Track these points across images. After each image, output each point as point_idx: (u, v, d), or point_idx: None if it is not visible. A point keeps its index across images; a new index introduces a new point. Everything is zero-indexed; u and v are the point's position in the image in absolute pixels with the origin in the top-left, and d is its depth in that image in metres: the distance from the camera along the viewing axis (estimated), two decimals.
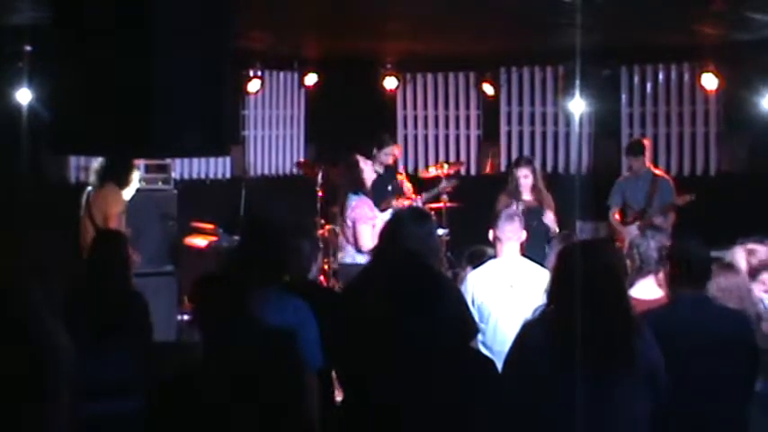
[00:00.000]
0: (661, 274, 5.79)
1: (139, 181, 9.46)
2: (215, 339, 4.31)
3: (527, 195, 9.61)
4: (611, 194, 10.79)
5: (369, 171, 9.26)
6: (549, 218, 9.37)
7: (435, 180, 11.49)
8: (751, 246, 6.33)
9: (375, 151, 10.56)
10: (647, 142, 11.10)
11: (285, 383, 4.39)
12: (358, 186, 9.12)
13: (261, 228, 5.67)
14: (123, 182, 8.78)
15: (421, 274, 4.52)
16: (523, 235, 6.74)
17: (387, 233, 5.45)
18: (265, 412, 4.07)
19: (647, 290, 5.84)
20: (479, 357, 4.77)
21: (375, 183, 10.51)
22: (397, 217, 5.74)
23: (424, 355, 4.25)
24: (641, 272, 5.95)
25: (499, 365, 4.62)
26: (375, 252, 5.67)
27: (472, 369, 4.37)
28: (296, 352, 4.76)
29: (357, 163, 9.28)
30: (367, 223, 8.87)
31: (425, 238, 5.36)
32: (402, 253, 5.17)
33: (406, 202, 10.46)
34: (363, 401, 4.45)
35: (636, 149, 10.83)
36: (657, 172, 10.85)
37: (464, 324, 5.46)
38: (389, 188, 10.57)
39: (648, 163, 10.86)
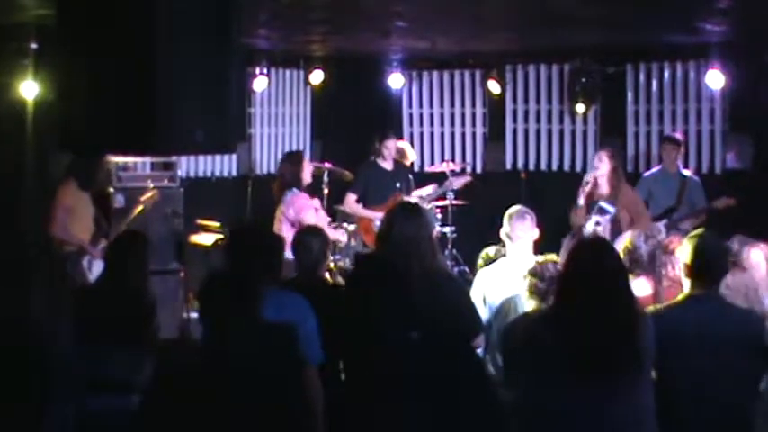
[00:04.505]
0: (653, 276, 5.79)
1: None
2: (215, 336, 4.32)
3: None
4: (638, 188, 10.51)
5: (308, 171, 9.24)
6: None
7: (441, 176, 11.49)
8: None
9: (377, 145, 10.57)
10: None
11: (285, 378, 4.40)
12: (294, 182, 9.09)
13: (242, 235, 5.67)
14: (85, 181, 8.78)
15: (402, 272, 4.54)
16: (536, 233, 6.72)
17: (380, 231, 5.46)
18: (265, 407, 4.09)
19: (638, 289, 5.81)
20: (472, 357, 4.79)
21: (382, 179, 10.51)
22: (388, 214, 5.74)
23: (408, 351, 4.26)
24: (632, 273, 5.92)
25: None
26: (375, 247, 5.68)
27: (461, 366, 4.38)
28: (295, 347, 4.78)
29: (301, 160, 9.28)
30: (308, 210, 8.88)
31: (416, 233, 5.36)
32: (389, 251, 5.18)
33: (414, 200, 10.46)
34: (357, 396, 4.48)
35: (676, 142, 10.74)
36: (687, 172, 10.76)
37: (463, 320, 5.46)
38: (398, 185, 10.55)
39: (679, 161, 10.78)
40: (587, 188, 9.36)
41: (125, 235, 7.19)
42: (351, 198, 10.59)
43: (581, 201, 9.34)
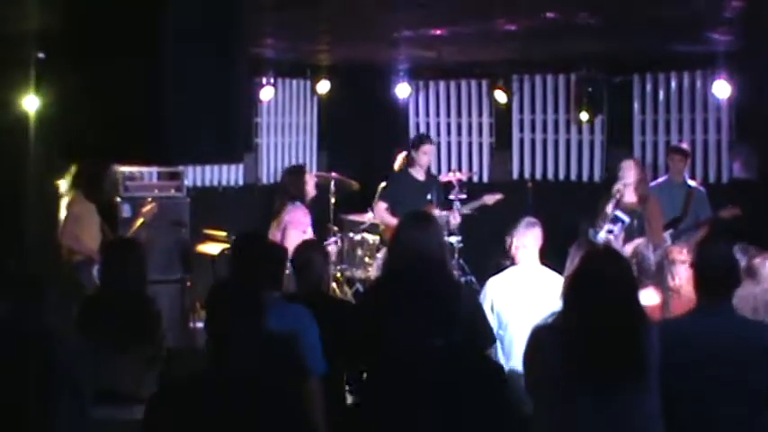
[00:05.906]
0: (660, 286, 5.78)
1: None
2: (218, 345, 4.32)
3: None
4: None
5: (311, 184, 9.19)
6: None
7: (447, 186, 11.47)
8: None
9: (413, 153, 10.46)
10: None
11: (286, 388, 4.40)
12: (298, 196, 9.03)
13: (247, 244, 5.66)
14: (89, 191, 8.79)
15: (421, 279, 4.53)
16: (540, 242, 6.72)
17: (392, 239, 5.45)
18: (266, 416, 4.08)
19: (646, 299, 5.79)
20: (491, 365, 4.77)
21: (413, 189, 10.43)
22: (400, 223, 5.73)
23: (426, 360, 4.26)
24: (640, 283, 5.90)
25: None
26: (385, 259, 5.69)
27: (480, 376, 4.37)
28: (297, 356, 4.77)
29: (303, 173, 9.21)
30: (297, 228, 8.75)
31: (428, 242, 5.35)
32: (404, 259, 5.17)
33: (444, 213, 10.43)
34: (372, 406, 4.47)
35: (683, 152, 10.71)
36: (693, 183, 10.73)
37: (476, 331, 5.44)
38: (429, 196, 10.45)
39: (686, 171, 10.75)
40: (617, 196, 9.25)
41: (112, 244, 7.15)
42: (381, 206, 10.46)
43: (609, 209, 9.22)
